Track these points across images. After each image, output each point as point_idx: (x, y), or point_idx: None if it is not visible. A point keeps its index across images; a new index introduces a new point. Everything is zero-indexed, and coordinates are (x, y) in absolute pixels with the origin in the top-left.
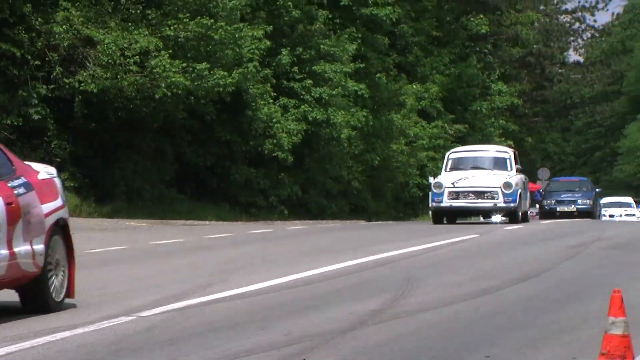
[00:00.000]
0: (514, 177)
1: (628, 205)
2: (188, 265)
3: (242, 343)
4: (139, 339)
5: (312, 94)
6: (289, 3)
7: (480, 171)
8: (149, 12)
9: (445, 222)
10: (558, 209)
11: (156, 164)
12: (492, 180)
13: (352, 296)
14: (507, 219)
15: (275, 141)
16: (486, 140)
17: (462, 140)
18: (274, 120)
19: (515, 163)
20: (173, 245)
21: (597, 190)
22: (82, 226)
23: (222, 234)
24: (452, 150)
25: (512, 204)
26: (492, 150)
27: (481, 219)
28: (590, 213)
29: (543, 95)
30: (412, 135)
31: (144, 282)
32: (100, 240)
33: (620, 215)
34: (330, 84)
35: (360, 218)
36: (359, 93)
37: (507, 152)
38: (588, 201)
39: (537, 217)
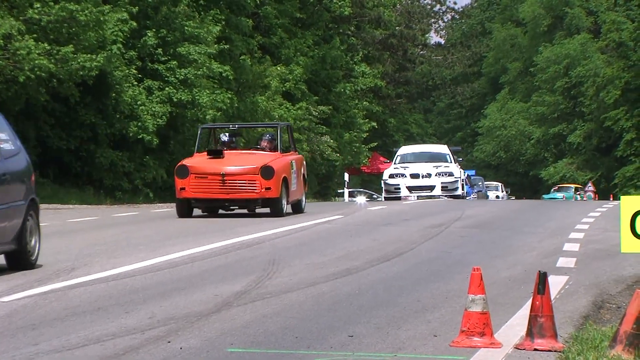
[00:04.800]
0: None
1: (442, 158)
2: (51, 250)
3: (106, 327)
4: (0, 324)
5: (177, 76)
6: None
7: None
8: None
9: None
10: None
11: None
12: None
13: (217, 278)
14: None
15: (139, 124)
16: (350, 121)
17: (326, 122)
18: (139, 102)
19: None
20: None
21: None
22: None
23: (86, 218)
24: None
25: None
26: None
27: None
28: None
29: (405, 77)
30: (277, 117)
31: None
32: None
33: (429, 175)
34: (195, 65)
35: None
36: (224, 75)
37: None
38: None
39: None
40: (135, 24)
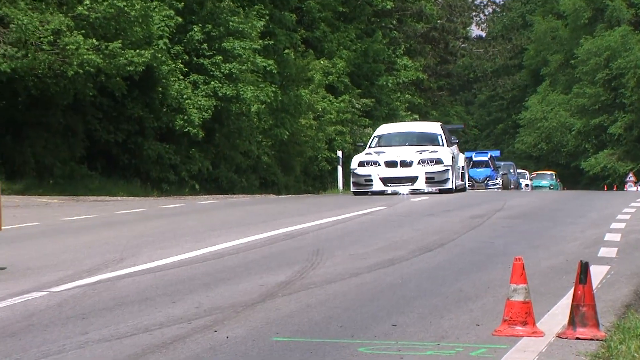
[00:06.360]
0: None
1: (431, 140)
2: (99, 241)
3: (154, 316)
4: (51, 314)
5: (222, 70)
6: None
7: None
8: None
9: None
10: None
11: (67, 141)
12: None
13: (262, 269)
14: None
15: (186, 117)
16: (392, 114)
17: (369, 115)
18: (185, 96)
19: None
20: (84, 221)
21: None
22: None
23: (133, 210)
24: None
25: None
26: None
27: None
28: None
29: (447, 70)
30: (320, 109)
31: (56, 258)
32: (12, 217)
33: (410, 163)
34: (240, 60)
35: (270, 192)
36: (268, 69)
37: None
38: None
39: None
40: (180, 19)
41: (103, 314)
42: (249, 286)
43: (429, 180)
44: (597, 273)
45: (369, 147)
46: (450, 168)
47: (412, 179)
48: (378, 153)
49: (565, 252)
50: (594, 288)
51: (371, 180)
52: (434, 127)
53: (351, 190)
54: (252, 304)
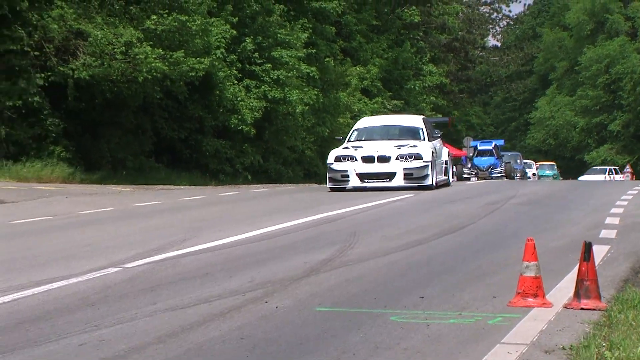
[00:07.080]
0: None
1: (412, 134)
2: (165, 224)
3: (213, 289)
4: (124, 287)
5: (271, 76)
6: None
7: None
8: (131, 7)
9: None
10: None
11: (137, 138)
12: None
13: (306, 248)
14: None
15: (239, 117)
16: (419, 114)
17: (399, 114)
18: (239, 98)
19: None
20: (152, 206)
21: None
22: (75, 191)
23: (194, 197)
24: None
25: None
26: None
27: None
28: None
29: (467, 75)
30: (356, 110)
31: (128, 238)
32: (90, 203)
33: (388, 159)
34: (286, 67)
35: (312, 181)
36: (311, 75)
37: None
38: None
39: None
40: (235, 32)
41: (169, 287)
42: (295, 263)
43: (408, 176)
44: (599, 252)
45: (348, 140)
46: (430, 164)
47: (390, 175)
48: (355, 147)
49: (571, 234)
50: (596, 265)
51: (347, 176)
52: (415, 121)
53: (327, 185)
54: (298, 279)
